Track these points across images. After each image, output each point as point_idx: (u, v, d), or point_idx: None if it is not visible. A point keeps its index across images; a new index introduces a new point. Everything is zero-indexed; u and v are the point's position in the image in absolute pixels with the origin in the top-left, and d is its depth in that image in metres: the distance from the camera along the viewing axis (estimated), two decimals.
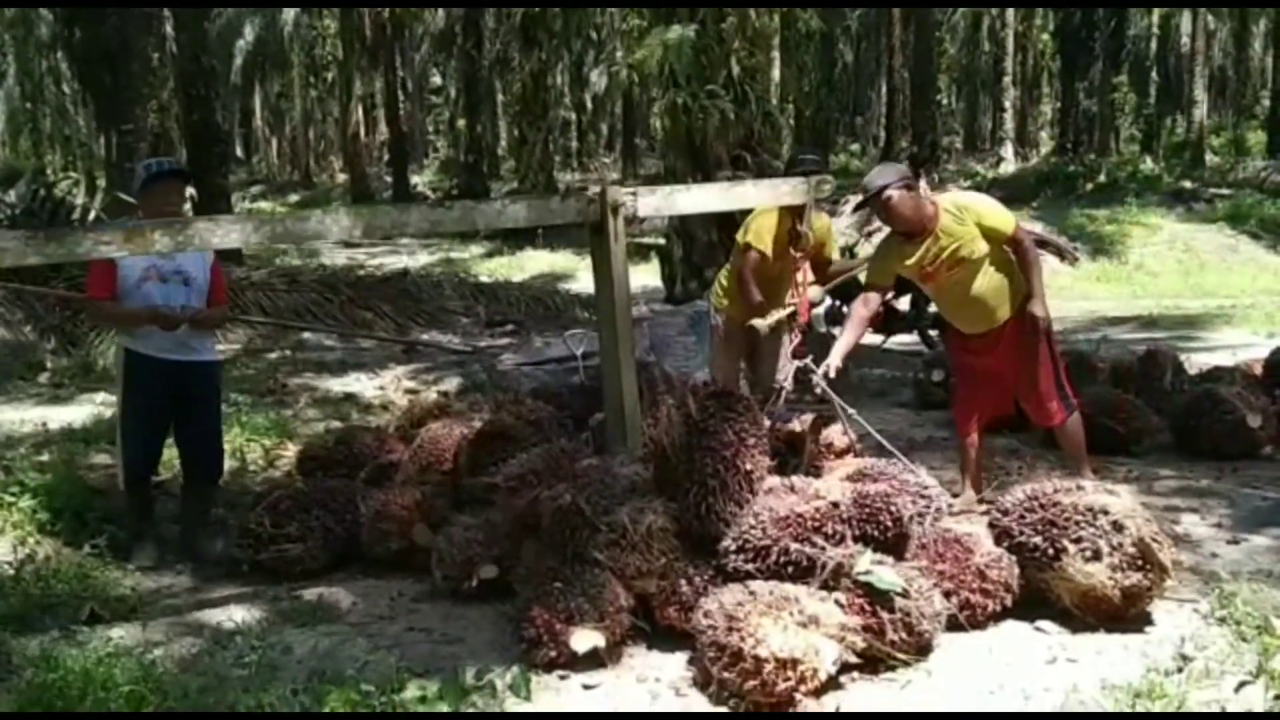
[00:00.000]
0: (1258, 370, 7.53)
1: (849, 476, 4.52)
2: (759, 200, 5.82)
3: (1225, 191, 22.93)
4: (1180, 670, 3.58)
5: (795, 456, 4.87)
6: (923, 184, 5.24)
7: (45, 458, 6.35)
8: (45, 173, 30.03)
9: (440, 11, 35.46)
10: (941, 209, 5.07)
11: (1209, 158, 30.23)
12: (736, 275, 6.28)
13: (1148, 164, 28.51)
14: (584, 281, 15.52)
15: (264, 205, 38.74)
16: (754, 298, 6.07)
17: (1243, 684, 3.47)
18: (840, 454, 5.00)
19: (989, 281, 5.07)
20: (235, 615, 4.42)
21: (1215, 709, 3.35)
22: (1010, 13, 33.33)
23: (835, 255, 6.69)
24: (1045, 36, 39.22)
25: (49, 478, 5.73)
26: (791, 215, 5.91)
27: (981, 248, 5.03)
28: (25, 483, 5.62)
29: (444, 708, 3.48)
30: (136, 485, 5.21)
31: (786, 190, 5.55)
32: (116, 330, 4.98)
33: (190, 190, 19.19)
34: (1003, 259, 5.09)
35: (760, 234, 6.09)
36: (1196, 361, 8.49)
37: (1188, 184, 24.08)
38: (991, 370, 5.28)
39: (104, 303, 5.08)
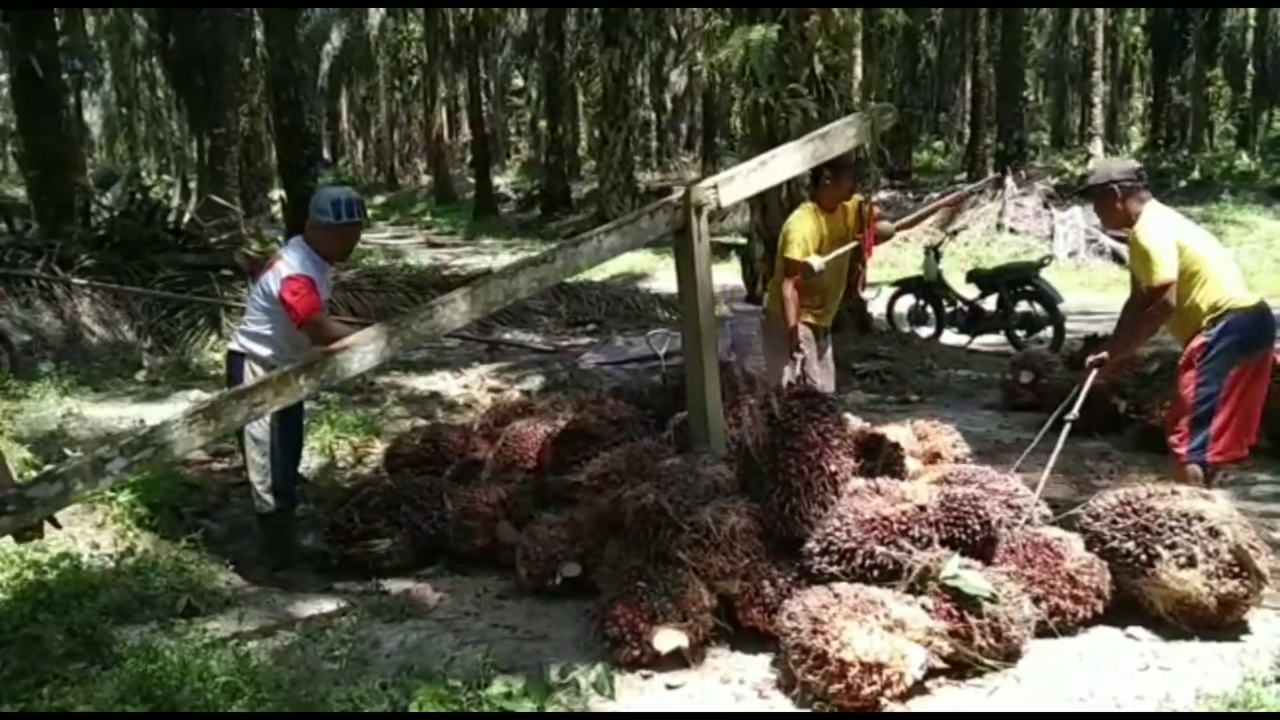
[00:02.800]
0: None
1: (936, 480, 4.48)
2: (832, 152, 5.51)
3: None
4: (1278, 680, 3.50)
5: (872, 459, 4.82)
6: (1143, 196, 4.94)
7: None
8: (140, 175, 30.85)
9: (522, 13, 35.79)
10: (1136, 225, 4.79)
11: None
12: (780, 289, 5.99)
13: (1243, 160, 27.76)
14: (662, 281, 15.54)
15: None
16: (792, 319, 5.85)
17: None
18: (929, 458, 4.94)
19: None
20: (325, 609, 4.51)
21: None
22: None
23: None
24: (1136, 30, 38.34)
25: (147, 474, 5.88)
26: (829, 211, 5.97)
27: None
28: (124, 478, 5.77)
29: (529, 704, 3.52)
30: (288, 506, 5.08)
31: (853, 132, 5.49)
32: (275, 350, 4.85)
33: (280, 193, 19.66)
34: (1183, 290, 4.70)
35: (802, 242, 5.85)
36: None
37: None
38: None
39: (324, 318, 4.85)
